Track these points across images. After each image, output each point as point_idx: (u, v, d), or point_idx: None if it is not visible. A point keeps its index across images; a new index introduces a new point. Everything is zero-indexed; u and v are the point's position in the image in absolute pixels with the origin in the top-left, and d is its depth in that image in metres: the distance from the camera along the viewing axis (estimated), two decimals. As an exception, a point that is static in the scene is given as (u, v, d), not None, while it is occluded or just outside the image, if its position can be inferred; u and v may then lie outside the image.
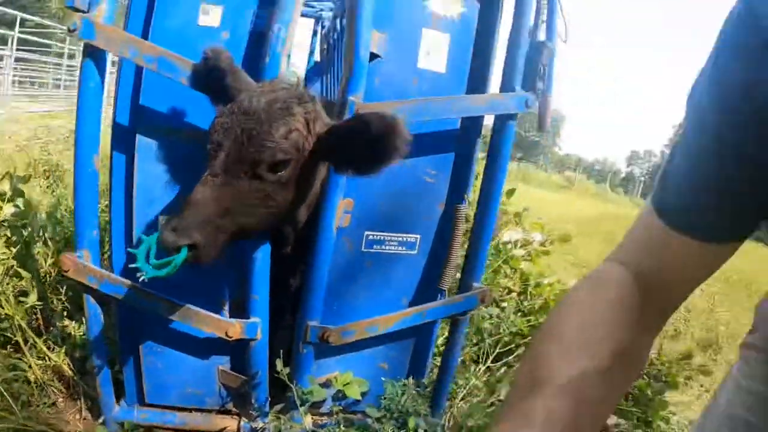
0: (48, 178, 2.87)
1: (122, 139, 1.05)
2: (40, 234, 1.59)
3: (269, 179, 0.81)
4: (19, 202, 1.57)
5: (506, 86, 1.09)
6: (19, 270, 1.44)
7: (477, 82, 1.10)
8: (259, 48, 0.98)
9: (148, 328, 1.13)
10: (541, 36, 1.14)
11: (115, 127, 1.06)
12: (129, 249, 0.88)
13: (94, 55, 0.97)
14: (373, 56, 1.00)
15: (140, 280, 0.79)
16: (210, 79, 0.88)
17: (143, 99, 1.03)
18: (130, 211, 1.07)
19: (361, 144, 0.78)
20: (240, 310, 1.09)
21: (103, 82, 1.00)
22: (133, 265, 0.80)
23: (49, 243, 1.59)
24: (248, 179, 0.80)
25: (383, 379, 1.14)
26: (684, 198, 0.37)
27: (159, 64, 0.93)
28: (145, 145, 1.04)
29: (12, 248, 1.48)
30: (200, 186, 0.79)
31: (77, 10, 0.94)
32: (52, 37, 9.91)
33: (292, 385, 1.03)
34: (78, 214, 1.02)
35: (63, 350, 1.37)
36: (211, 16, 1.00)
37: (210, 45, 0.92)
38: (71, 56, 9.53)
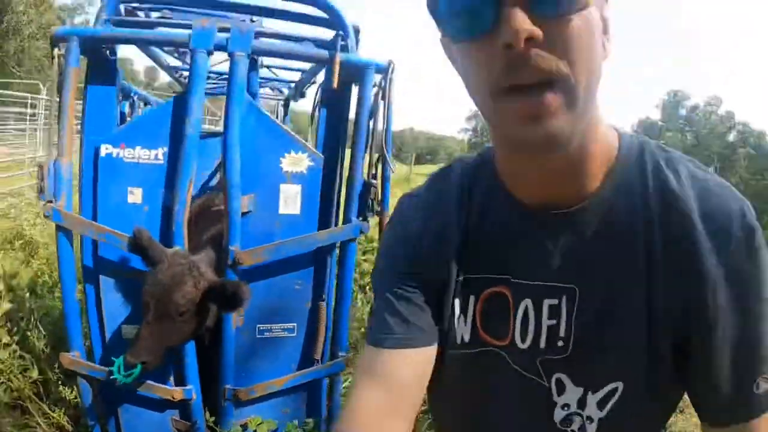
0: (24, 250, 3.86)
1: (90, 277, 1.97)
2: (32, 320, 2.54)
3: (179, 320, 1.70)
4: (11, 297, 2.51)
5: (346, 218, 1.96)
6: (22, 353, 2.40)
7: (326, 216, 1.97)
8: (168, 218, 1.85)
9: (123, 395, 2.06)
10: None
11: (84, 268, 1.97)
12: (109, 369, 1.76)
13: (64, 230, 1.86)
14: (245, 213, 1.87)
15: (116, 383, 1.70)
16: (138, 249, 1.76)
17: (101, 251, 1.93)
18: (102, 322, 1.99)
19: (223, 297, 1.68)
20: (180, 380, 2.01)
21: (71, 244, 1.90)
22: (111, 376, 1.70)
23: (40, 326, 2.54)
24: (168, 321, 1.69)
25: (286, 422, 2.07)
26: (389, 325, 0.66)
27: (107, 238, 1.83)
28: (106, 280, 1.95)
29: (13, 336, 2.43)
30: (143, 326, 1.68)
31: (49, 201, 1.83)
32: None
33: (217, 429, 1.96)
34: (69, 327, 1.96)
35: (62, 411, 2.33)
36: (135, 195, 1.89)
37: (136, 225, 1.80)
38: (33, 106, 10.80)
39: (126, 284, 1.95)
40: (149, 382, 1.95)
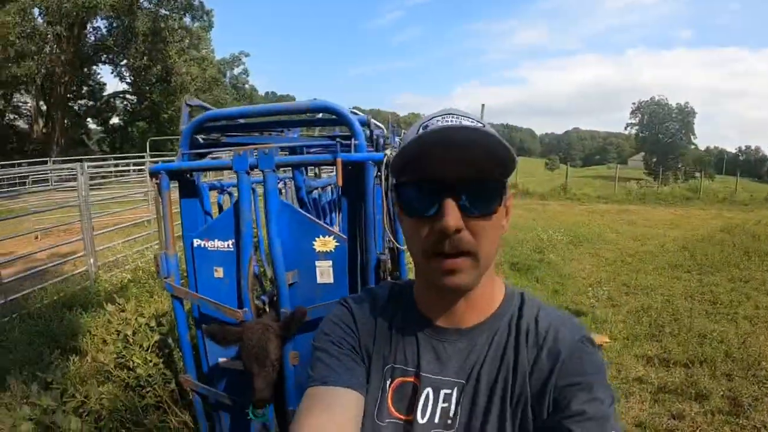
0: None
1: (197, 325, 2.79)
2: (173, 347, 3.51)
3: (275, 365, 2.39)
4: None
5: (365, 285, 2.53)
6: (165, 371, 3.37)
7: (354, 284, 2.56)
8: (239, 287, 2.59)
9: (221, 405, 2.89)
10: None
11: (194, 318, 2.79)
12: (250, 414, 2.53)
13: (176, 297, 2.70)
14: (291, 284, 2.53)
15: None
16: (216, 339, 2.46)
17: (202, 309, 2.73)
18: (206, 356, 2.81)
19: (288, 329, 2.35)
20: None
21: (182, 305, 2.73)
22: (248, 417, 2.47)
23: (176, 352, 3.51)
24: (268, 368, 2.38)
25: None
26: (336, 370, 0.90)
27: (201, 303, 2.62)
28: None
29: (160, 358, 3.42)
30: (255, 379, 2.38)
31: (165, 278, 2.67)
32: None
33: (286, 439, 2.69)
34: (184, 358, 2.81)
35: (188, 413, 3.26)
36: (219, 272, 2.65)
37: (206, 327, 2.55)
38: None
39: (225, 328, 2.75)
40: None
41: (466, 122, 0.80)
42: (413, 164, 0.81)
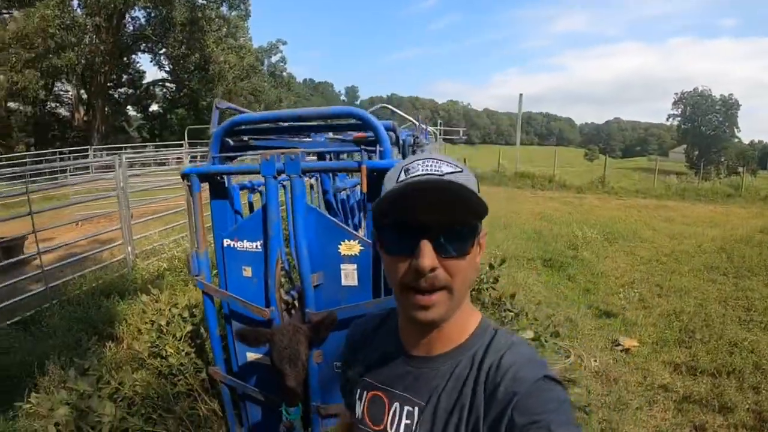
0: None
1: (227, 321, 2.90)
2: (205, 337, 3.65)
3: (305, 364, 2.47)
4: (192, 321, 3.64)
5: (387, 290, 2.58)
6: (196, 360, 3.51)
7: (378, 287, 2.61)
8: (266, 286, 2.67)
9: (247, 397, 3.00)
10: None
11: (224, 315, 2.90)
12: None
13: (206, 294, 2.81)
14: (317, 286, 2.61)
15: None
16: (246, 340, 2.54)
17: (231, 306, 2.84)
18: (235, 349, 2.92)
19: (317, 331, 2.42)
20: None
21: (213, 302, 2.84)
22: (282, 416, 2.56)
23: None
24: (298, 368, 2.45)
25: None
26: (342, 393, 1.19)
27: (230, 301, 2.72)
28: (235, 324, 2.86)
29: (192, 348, 3.55)
30: (286, 378, 2.45)
31: (196, 275, 2.78)
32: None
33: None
34: (214, 351, 2.92)
35: (217, 401, 3.39)
36: (247, 272, 2.75)
37: (237, 330, 2.65)
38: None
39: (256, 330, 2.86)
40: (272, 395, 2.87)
41: (445, 167, 0.88)
42: (394, 209, 0.88)
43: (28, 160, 22.74)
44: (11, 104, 30.58)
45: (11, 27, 25.16)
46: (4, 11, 28.05)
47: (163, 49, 34.51)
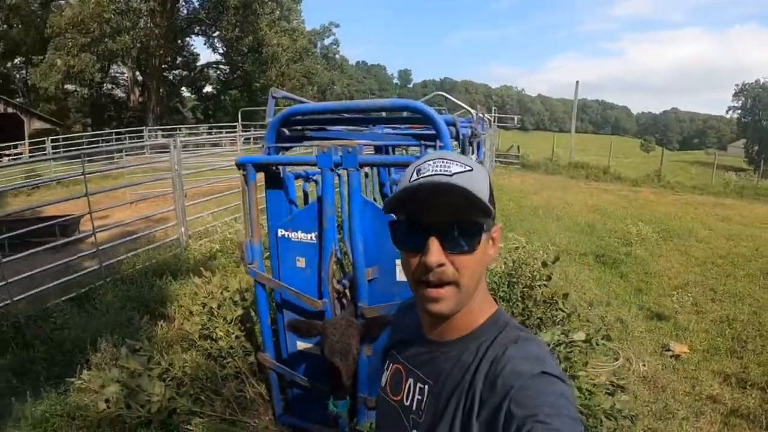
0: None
1: (278, 309, 2.92)
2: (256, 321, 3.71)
3: (356, 359, 2.48)
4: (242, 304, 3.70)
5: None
6: (245, 344, 3.57)
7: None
8: (320, 278, 2.67)
9: (293, 384, 3.03)
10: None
11: (276, 303, 2.93)
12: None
13: (258, 282, 2.83)
14: (371, 280, 2.59)
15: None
16: (297, 332, 2.56)
17: (283, 295, 2.86)
18: (286, 337, 2.95)
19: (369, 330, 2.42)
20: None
21: (265, 290, 2.87)
22: (329, 409, 2.56)
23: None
24: (349, 362, 2.45)
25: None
26: None
27: (282, 291, 2.74)
28: (287, 313, 2.88)
29: (242, 331, 3.61)
30: (336, 373, 2.44)
31: (249, 264, 2.81)
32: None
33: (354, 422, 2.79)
34: (264, 338, 2.96)
35: (264, 386, 3.44)
36: (301, 262, 2.76)
37: (288, 322, 2.65)
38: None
39: (297, 316, 2.87)
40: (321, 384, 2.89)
41: (454, 167, 0.92)
42: (406, 207, 0.95)
43: (85, 140, 23.71)
44: (68, 86, 31.89)
45: (67, 13, 26.32)
46: (61, -2, 29.33)
47: (217, 32, 35.22)
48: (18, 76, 36.01)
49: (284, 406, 3.33)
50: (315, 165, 2.46)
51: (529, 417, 0.80)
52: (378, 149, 3.25)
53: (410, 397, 1.06)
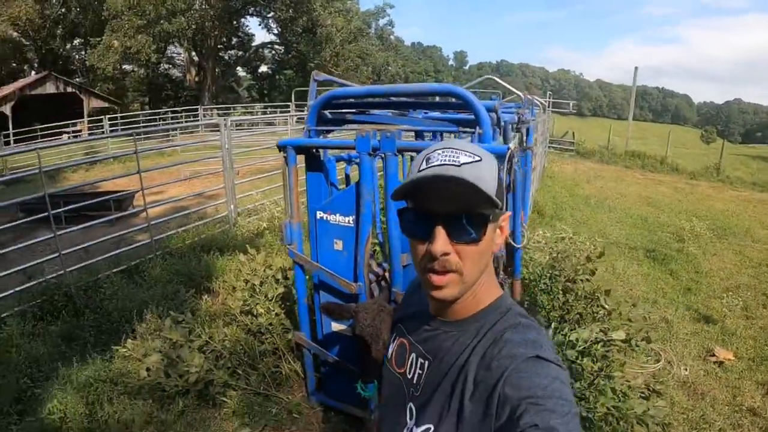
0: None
1: (315, 290, 2.99)
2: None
3: (383, 345, 2.51)
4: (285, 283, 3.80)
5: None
6: (283, 321, 3.67)
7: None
8: (356, 261, 2.71)
9: (327, 363, 3.10)
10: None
11: (313, 284, 3.00)
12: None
13: (297, 263, 2.90)
14: (405, 266, 2.60)
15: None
16: (331, 314, 2.61)
17: (320, 277, 2.92)
18: (321, 318, 3.02)
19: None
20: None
21: (303, 270, 2.94)
22: (357, 391, 2.62)
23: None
24: (380, 346, 2.49)
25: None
26: None
27: (320, 273, 2.80)
28: (323, 294, 2.94)
29: (282, 309, 3.72)
30: (366, 357, 2.51)
31: (289, 244, 2.88)
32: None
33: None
34: (300, 317, 3.05)
35: (299, 364, 3.54)
36: (338, 245, 2.80)
37: (323, 304, 2.70)
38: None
39: (332, 298, 2.93)
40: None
41: (462, 158, 0.93)
42: (413, 196, 0.97)
43: (141, 118, 24.65)
44: (126, 66, 33.13)
45: None
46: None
47: (271, 13, 35.53)
48: (77, 57, 37.43)
49: (317, 384, 3.42)
50: (353, 148, 2.48)
51: (523, 398, 0.82)
52: (419, 134, 3.24)
53: (412, 371, 1.09)
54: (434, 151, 0.96)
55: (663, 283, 7.05)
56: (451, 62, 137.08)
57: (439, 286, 0.96)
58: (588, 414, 2.90)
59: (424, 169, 0.93)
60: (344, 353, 3.01)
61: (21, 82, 26.73)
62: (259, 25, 37.73)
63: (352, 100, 2.94)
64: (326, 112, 2.92)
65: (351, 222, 2.70)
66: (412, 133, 3.40)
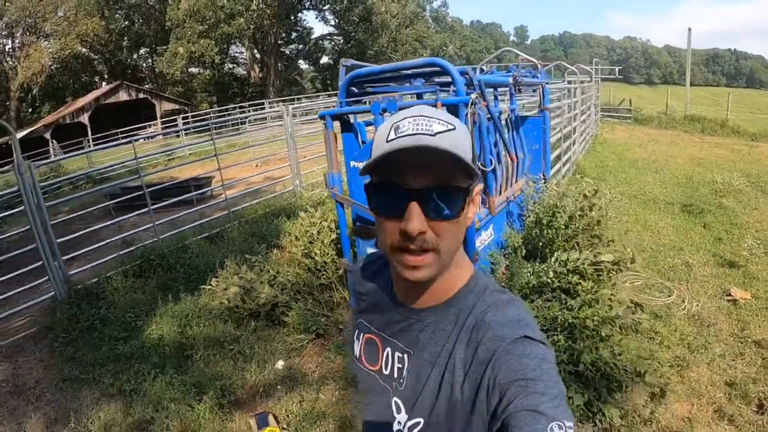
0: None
1: (354, 222, 4.02)
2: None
3: None
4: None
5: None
6: (335, 258, 4.73)
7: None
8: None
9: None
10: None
11: (353, 218, 4.04)
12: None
13: (338, 202, 3.96)
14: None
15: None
16: (360, 234, 3.65)
17: (355, 211, 3.96)
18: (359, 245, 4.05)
19: None
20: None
21: (343, 208, 3.98)
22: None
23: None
24: None
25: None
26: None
27: (355, 208, 3.84)
28: (359, 225, 3.96)
29: (334, 250, 4.78)
30: None
31: (331, 188, 3.93)
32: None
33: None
34: (343, 246, 4.14)
35: (347, 292, 4.57)
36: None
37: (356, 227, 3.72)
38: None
39: (367, 227, 3.94)
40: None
41: (436, 126, 0.86)
42: (382, 170, 0.88)
43: (212, 116, 26.72)
44: (192, 69, 35.60)
45: (183, 6, 29.48)
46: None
47: (327, 5, 37.26)
48: (144, 65, 40.89)
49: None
50: (369, 112, 3.49)
51: (512, 381, 0.81)
52: (420, 96, 4.21)
53: (390, 366, 1.04)
54: (404, 119, 0.88)
55: (693, 234, 7.34)
56: (512, 38, 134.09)
57: (415, 266, 0.89)
58: (574, 321, 3.42)
59: (393, 140, 0.85)
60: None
61: (95, 93, 29.98)
62: (316, 18, 39.29)
63: (369, 78, 3.91)
64: (353, 88, 3.93)
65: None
66: (415, 97, 4.36)
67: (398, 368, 1.02)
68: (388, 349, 1.05)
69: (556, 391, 0.80)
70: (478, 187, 0.96)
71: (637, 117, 21.22)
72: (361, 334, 1.14)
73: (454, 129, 0.87)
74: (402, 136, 0.84)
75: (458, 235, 0.93)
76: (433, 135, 0.84)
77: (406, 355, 1.01)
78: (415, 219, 0.84)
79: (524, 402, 0.77)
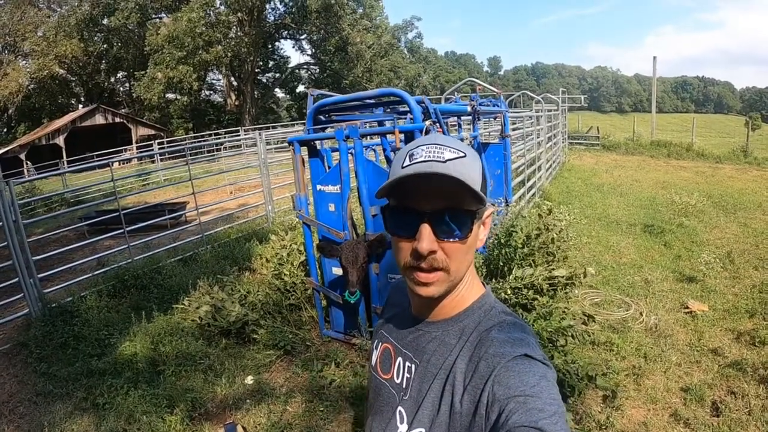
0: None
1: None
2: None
3: (364, 266, 3.73)
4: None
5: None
6: (303, 279, 4.96)
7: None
8: (343, 218, 3.98)
9: (332, 301, 4.37)
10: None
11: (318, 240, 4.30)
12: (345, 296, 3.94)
13: (305, 223, 4.22)
14: (374, 215, 3.86)
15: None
16: (323, 252, 3.88)
17: (320, 233, 4.21)
18: (325, 265, 4.30)
19: (376, 246, 3.70)
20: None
21: (310, 229, 4.24)
22: (344, 300, 3.97)
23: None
24: (359, 268, 3.71)
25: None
26: None
27: (320, 229, 4.10)
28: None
29: (302, 273, 5.02)
30: (350, 273, 3.74)
31: (298, 210, 4.19)
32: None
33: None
34: (310, 266, 4.39)
35: (315, 311, 4.81)
36: (332, 207, 4.10)
37: (318, 243, 3.99)
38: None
39: (331, 245, 4.19)
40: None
41: (447, 153, 0.92)
42: (398, 192, 0.95)
43: (188, 143, 26.83)
44: (170, 95, 35.73)
45: (163, 31, 30.04)
46: (155, 16, 33.27)
47: (303, 35, 37.87)
48: (122, 89, 41.03)
49: (326, 324, 4.68)
50: (333, 138, 3.78)
51: (511, 397, 0.82)
52: (381, 124, 4.54)
53: (400, 375, 1.08)
54: (418, 146, 0.95)
55: (654, 252, 7.69)
56: (486, 68, 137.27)
57: (426, 283, 0.95)
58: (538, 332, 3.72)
59: (407, 166, 0.92)
60: (342, 290, 4.24)
61: (72, 115, 29.93)
62: (293, 47, 39.99)
63: (333, 106, 4.22)
64: (320, 116, 4.23)
65: (338, 189, 3.96)
66: (376, 124, 4.70)
67: (407, 378, 1.06)
68: (400, 359, 1.10)
69: (555, 408, 0.81)
70: (489, 210, 1.00)
71: (605, 144, 22.03)
72: (380, 344, 1.20)
73: (464, 156, 0.93)
74: (415, 163, 0.91)
75: (467, 256, 0.98)
76: (444, 162, 0.90)
77: (413, 365, 1.05)
78: (426, 239, 0.90)
79: (523, 418, 0.79)
